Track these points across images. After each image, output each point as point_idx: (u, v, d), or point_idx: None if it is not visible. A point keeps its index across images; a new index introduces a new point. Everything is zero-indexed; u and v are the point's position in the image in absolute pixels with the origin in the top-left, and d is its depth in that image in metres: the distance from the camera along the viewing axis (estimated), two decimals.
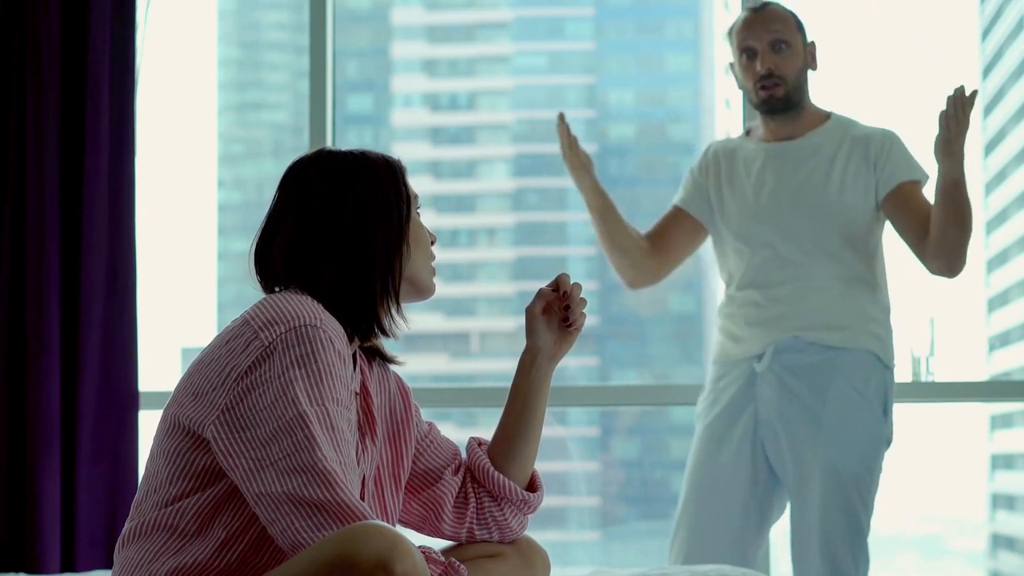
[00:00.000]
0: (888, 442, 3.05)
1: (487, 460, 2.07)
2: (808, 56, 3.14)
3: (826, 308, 3.05)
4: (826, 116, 3.17)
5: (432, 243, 2.02)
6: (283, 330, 1.77)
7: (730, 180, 3.17)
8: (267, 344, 1.76)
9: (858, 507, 2.98)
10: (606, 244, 3.25)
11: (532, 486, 2.11)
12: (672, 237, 3.25)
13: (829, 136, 3.12)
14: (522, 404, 2.06)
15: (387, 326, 1.94)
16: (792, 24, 3.13)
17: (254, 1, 4.88)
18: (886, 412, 3.04)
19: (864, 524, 3.00)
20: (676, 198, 3.27)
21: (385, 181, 1.95)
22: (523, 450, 2.07)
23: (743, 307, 3.12)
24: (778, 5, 3.16)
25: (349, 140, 4.64)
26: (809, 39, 3.16)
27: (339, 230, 1.90)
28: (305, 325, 1.77)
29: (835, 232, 3.06)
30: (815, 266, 3.06)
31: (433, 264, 2.01)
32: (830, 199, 3.06)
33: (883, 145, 3.08)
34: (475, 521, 2.07)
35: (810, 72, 3.16)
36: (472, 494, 2.08)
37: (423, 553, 1.77)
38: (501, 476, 2.06)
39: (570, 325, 2.07)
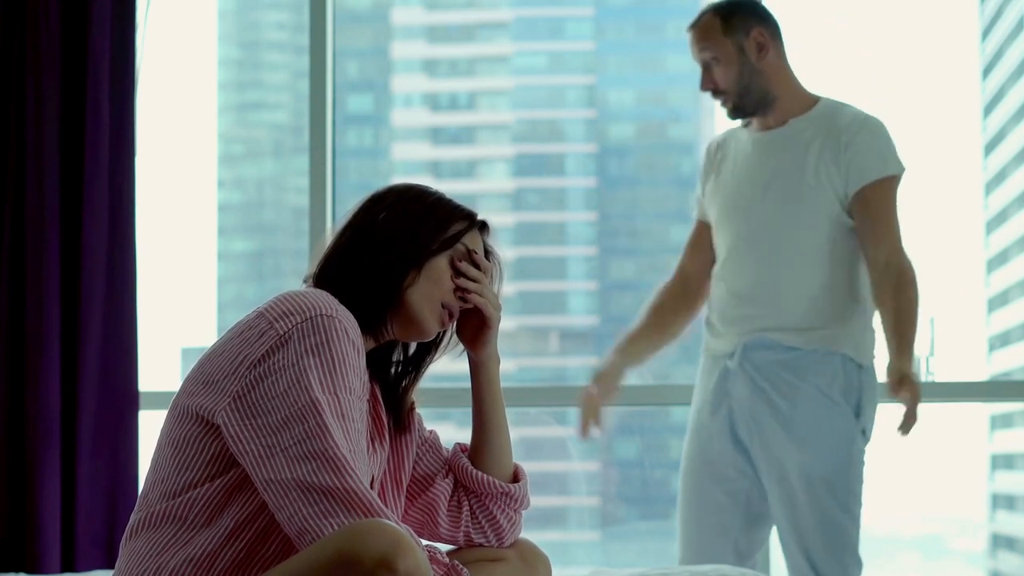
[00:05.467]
0: (865, 439, 3.01)
1: (466, 460, 2.09)
2: (753, 49, 3.04)
3: (793, 307, 3.01)
4: (814, 101, 3.08)
5: (459, 299, 1.99)
6: (299, 320, 1.79)
7: (718, 170, 3.16)
8: (282, 334, 1.78)
9: (834, 511, 2.95)
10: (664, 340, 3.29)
11: (515, 480, 2.12)
12: (707, 248, 3.19)
13: (812, 123, 3.04)
14: (477, 399, 2.08)
15: (385, 330, 1.96)
16: (717, 33, 3.04)
17: (254, 1, 4.88)
18: (859, 412, 2.99)
19: (845, 525, 2.97)
20: (694, 213, 3.24)
21: (434, 212, 1.99)
22: (493, 444, 2.08)
23: (719, 300, 3.11)
24: (707, 12, 3.08)
25: (349, 140, 4.64)
26: (751, 29, 3.04)
27: (368, 232, 1.96)
28: (321, 315, 1.80)
29: (807, 222, 3.01)
30: (785, 259, 3.02)
31: (445, 317, 1.99)
32: (800, 188, 3.01)
33: (853, 136, 2.99)
34: (470, 524, 2.08)
35: (774, 60, 3.07)
36: (464, 498, 2.09)
37: (428, 553, 1.78)
38: (478, 472, 2.08)
39: (466, 302, 2.03)
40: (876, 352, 3.05)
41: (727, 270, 3.10)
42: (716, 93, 3.07)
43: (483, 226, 2.05)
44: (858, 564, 3.00)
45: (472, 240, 2.01)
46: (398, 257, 1.94)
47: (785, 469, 2.98)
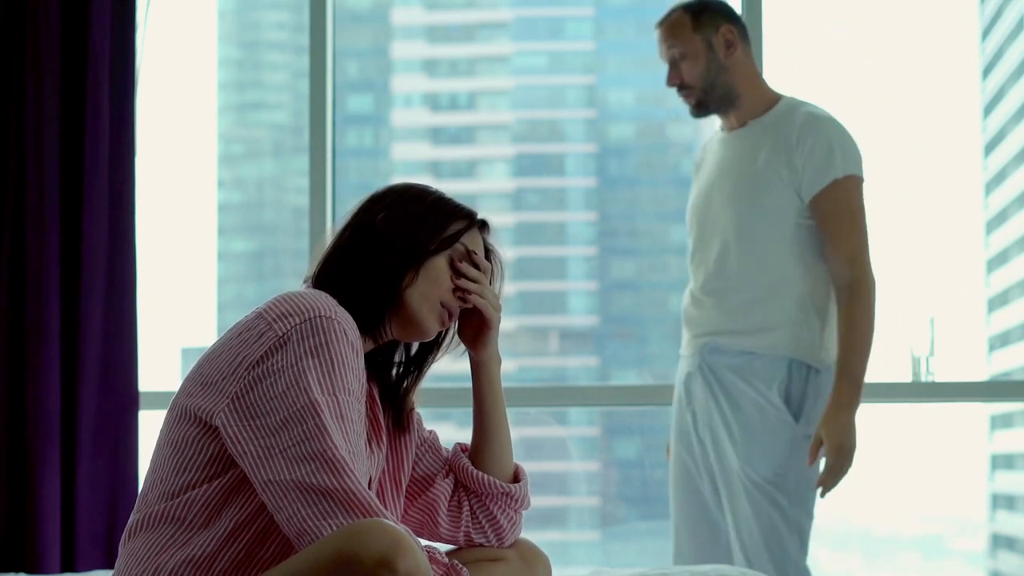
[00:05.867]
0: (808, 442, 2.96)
1: (467, 460, 2.09)
2: (721, 46, 3.05)
3: (742, 309, 3.00)
4: (775, 101, 3.08)
5: (459, 299, 1.98)
6: (297, 321, 1.79)
7: (698, 173, 3.19)
8: (281, 335, 1.78)
9: (774, 519, 2.94)
10: None
11: (515, 480, 2.12)
12: None
13: (769, 123, 3.04)
14: (478, 399, 2.08)
15: (384, 331, 1.96)
16: (687, 29, 3.06)
17: (254, 1, 4.88)
18: (800, 415, 2.96)
19: (787, 534, 2.94)
20: None
21: (433, 212, 1.98)
22: (493, 444, 2.08)
23: (684, 299, 3.14)
24: (677, 9, 3.10)
25: (349, 140, 4.64)
26: (720, 26, 3.05)
27: (368, 232, 1.96)
28: (319, 316, 1.80)
29: (762, 224, 2.99)
30: (738, 260, 3.01)
31: (444, 316, 1.98)
32: (754, 189, 3.00)
33: (803, 136, 2.97)
34: (470, 524, 2.09)
35: (741, 59, 3.07)
36: (465, 498, 2.10)
37: (427, 553, 1.78)
38: (479, 472, 2.08)
39: (466, 302, 2.02)
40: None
41: (691, 270, 3.13)
42: (681, 88, 3.09)
43: (483, 225, 2.04)
44: (806, 572, 2.97)
45: (472, 240, 2.01)
46: (397, 257, 1.94)
47: (732, 475, 2.97)
